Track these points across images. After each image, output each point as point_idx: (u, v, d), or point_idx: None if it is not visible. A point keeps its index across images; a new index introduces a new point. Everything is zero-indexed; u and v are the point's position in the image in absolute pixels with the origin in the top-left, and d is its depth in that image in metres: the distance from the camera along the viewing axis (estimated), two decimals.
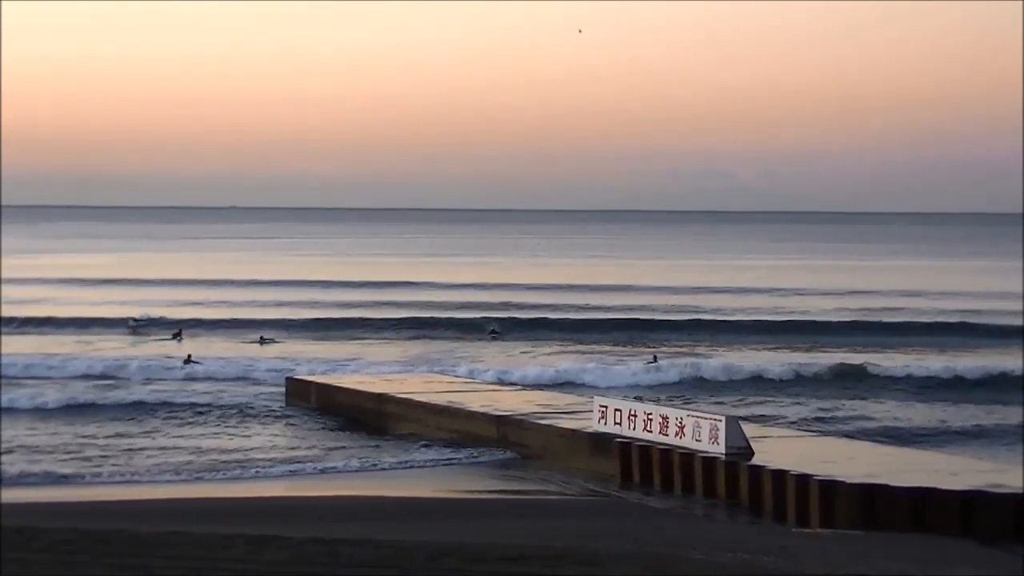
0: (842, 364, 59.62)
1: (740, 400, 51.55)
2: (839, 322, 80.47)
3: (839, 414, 48.30)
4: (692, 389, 54.56)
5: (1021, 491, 28.91)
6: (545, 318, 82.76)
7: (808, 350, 67.83)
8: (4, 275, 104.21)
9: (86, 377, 55.54)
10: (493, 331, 75.28)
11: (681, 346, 69.58)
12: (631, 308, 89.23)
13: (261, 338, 71.71)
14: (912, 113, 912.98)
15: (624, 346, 70.39)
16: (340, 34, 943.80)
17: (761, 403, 51.06)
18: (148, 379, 55.54)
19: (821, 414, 48.20)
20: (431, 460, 38.85)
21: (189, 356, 61.06)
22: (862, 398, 52.51)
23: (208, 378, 55.95)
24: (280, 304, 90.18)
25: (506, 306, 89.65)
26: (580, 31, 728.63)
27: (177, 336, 72.30)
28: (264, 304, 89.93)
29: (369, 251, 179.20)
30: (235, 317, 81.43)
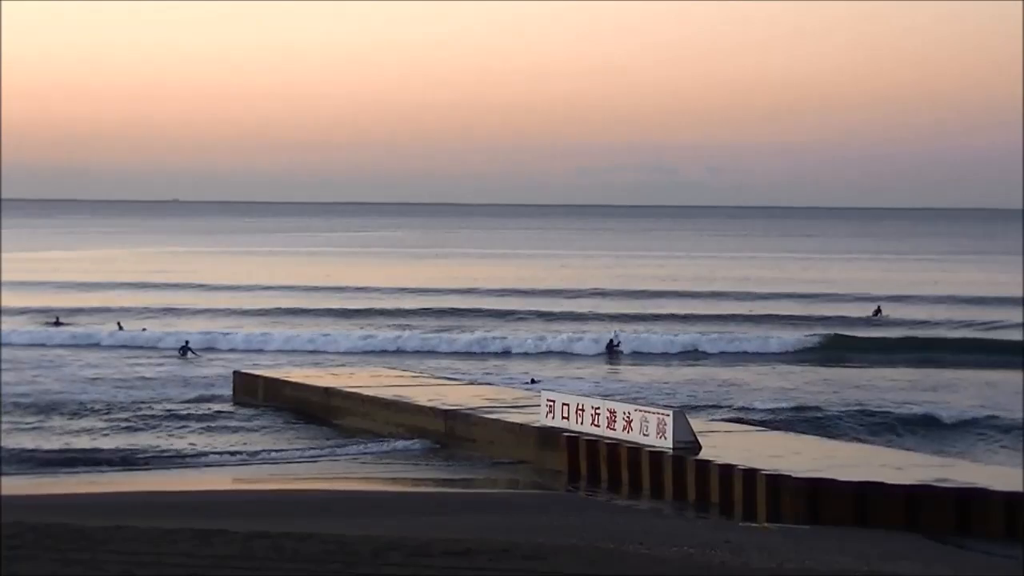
0: None
1: None
2: None
3: None
4: None
5: (965, 486, 29.11)
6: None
7: None
8: None
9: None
10: None
11: None
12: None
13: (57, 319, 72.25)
14: (880, 108, 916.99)
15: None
16: (289, 33, 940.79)
17: None
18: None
19: None
20: (378, 454, 38.79)
21: (187, 343, 61.07)
22: None
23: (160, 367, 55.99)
24: None
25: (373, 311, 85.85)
26: None
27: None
28: None
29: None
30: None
